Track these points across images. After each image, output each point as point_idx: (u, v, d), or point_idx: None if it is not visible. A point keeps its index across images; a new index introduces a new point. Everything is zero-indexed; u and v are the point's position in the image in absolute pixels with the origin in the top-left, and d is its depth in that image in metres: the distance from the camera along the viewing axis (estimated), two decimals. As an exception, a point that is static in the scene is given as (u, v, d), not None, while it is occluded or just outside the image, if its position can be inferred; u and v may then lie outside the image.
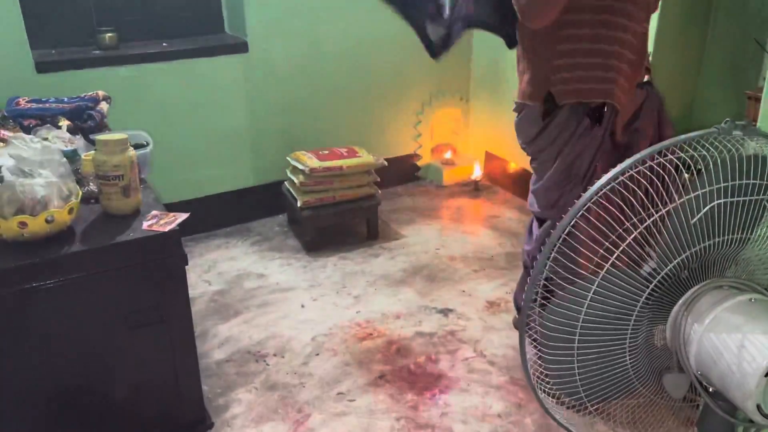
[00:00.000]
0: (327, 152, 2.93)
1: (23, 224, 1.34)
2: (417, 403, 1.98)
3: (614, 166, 0.89)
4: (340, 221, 3.05)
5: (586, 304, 0.90)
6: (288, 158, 2.95)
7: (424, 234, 3.05)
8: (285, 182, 3.04)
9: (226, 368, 2.14)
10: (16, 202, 1.36)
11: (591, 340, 0.92)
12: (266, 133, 3.09)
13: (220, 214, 3.07)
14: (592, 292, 0.90)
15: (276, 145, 3.10)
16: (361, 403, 1.98)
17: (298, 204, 2.85)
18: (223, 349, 2.23)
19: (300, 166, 2.84)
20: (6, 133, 1.71)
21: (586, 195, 0.89)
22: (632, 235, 0.90)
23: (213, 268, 2.76)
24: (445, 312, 2.43)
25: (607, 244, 0.93)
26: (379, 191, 3.01)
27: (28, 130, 1.88)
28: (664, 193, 0.93)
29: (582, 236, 0.88)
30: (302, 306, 2.49)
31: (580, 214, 0.90)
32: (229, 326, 2.36)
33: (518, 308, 2.15)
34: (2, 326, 1.33)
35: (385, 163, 3.01)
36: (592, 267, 0.92)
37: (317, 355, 2.20)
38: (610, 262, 0.89)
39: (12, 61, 2.41)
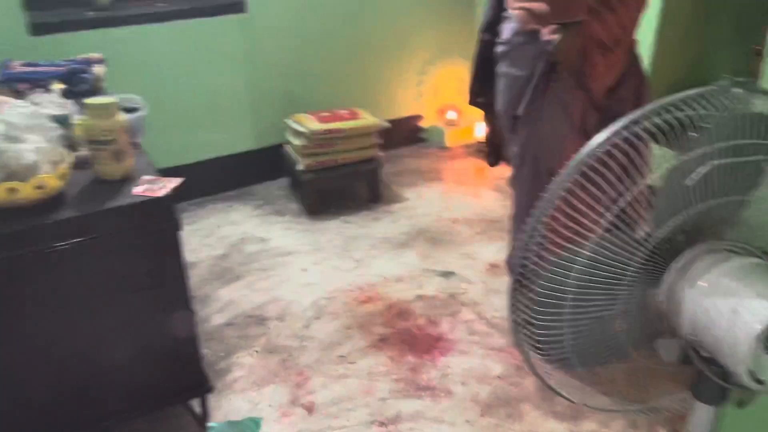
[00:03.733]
0: (328, 114, 2.89)
1: (13, 190, 1.33)
2: (417, 365, 1.98)
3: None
4: (342, 184, 3.03)
5: (576, 269, 0.88)
6: (288, 121, 2.91)
7: (427, 197, 3.03)
8: (286, 145, 3.01)
9: (227, 332, 2.15)
10: (5, 168, 1.35)
11: (582, 305, 0.90)
12: (266, 95, 3.05)
13: (221, 178, 3.06)
14: (583, 256, 0.88)
15: (276, 107, 3.06)
16: (361, 365, 1.99)
17: (300, 167, 2.83)
18: (224, 313, 2.24)
19: (301, 129, 2.80)
20: (-3, 98, 1.68)
21: (577, 158, 0.86)
22: (626, 198, 0.87)
23: (214, 233, 2.75)
24: (447, 275, 2.43)
25: (599, 208, 0.90)
26: (382, 154, 2.98)
27: (20, 95, 1.85)
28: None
29: (574, 200, 0.85)
30: (303, 270, 2.49)
31: (566, 182, 0.87)
32: (230, 290, 2.37)
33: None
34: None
35: (388, 125, 2.97)
36: (584, 232, 0.89)
37: (318, 318, 2.21)
38: (603, 228, 0.87)
39: (5, 24, 2.38)
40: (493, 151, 2.07)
